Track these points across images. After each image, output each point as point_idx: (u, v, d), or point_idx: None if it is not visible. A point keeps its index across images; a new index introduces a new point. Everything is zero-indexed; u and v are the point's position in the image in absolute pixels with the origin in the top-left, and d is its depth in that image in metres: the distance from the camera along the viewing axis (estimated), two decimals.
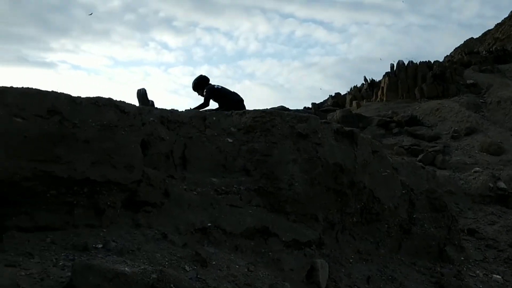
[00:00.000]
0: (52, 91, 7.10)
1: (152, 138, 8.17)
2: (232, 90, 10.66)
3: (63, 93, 7.21)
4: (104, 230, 7.11)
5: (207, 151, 8.78)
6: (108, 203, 7.31)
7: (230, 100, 10.95)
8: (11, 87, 6.78)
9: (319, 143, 9.17)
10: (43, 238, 6.53)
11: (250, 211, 8.20)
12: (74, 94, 7.34)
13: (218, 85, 10.29)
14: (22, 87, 6.88)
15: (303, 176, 8.85)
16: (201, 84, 10.46)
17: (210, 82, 11.18)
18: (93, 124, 7.24)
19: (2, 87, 6.72)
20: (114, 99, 7.82)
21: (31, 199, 6.69)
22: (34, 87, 6.93)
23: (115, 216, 7.38)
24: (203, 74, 10.63)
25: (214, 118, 9.14)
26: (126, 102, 7.96)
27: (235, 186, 8.44)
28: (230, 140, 8.97)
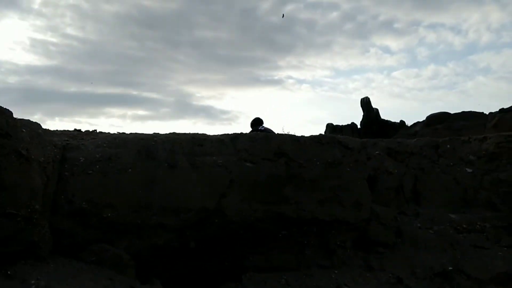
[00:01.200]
0: (278, 134, 7.31)
1: (379, 173, 7.72)
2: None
3: (287, 135, 7.36)
4: (336, 271, 6.88)
5: (442, 183, 7.89)
6: (338, 243, 7.09)
7: None
8: (241, 134, 7.18)
9: None
10: (278, 279, 6.61)
11: (500, 253, 6.98)
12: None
13: (263, 127, 10.13)
14: (250, 133, 7.24)
15: None
16: (252, 125, 10.54)
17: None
18: (317, 163, 7.16)
19: (234, 134, 7.17)
20: (337, 136, 7.67)
21: (265, 239, 6.88)
22: (260, 132, 7.23)
23: (346, 256, 7.11)
24: (259, 117, 10.70)
25: (448, 146, 8.20)
26: (349, 137, 7.72)
27: (478, 223, 7.33)
28: (469, 170, 7.90)
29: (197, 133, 7.01)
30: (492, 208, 7.46)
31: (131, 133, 6.76)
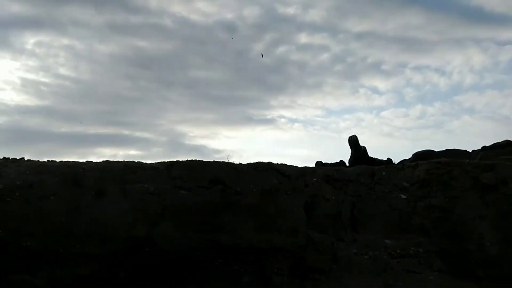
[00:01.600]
0: (214, 161, 7.35)
1: (316, 200, 7.82)
2: None
3: (224, 162, 7.40)
4: None
5: (378, 209, 8.04)
6: (275, 270, 7.06)
7: None
8: (177, 161, 7.19)
9: (509, 195, 7.69)
10: None
11: (431, 277, 7.10)
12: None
13: None
14: (187, 160, 7.25)
15: (495, 234, 7.43)
16: None
17: None
18: (254, 190, 7.21)
19: (170, 161, 7.17)
20: (275, 162, 7.77)
21: (200, 268, 6.80)
22: (197, 159, 7.26)
23: (283, 283, 7.07)
24: None
25: (383, 173, 8.40)
26: (287, 164, 7.84)
27: (412, 248, 7.47)
28: (403, 196, 8.09)
29: (131, 161, 6.98)
30: (425, 233, 7.63)
31: (60, 161, 6.66)
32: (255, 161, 7.68)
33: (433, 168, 8.05)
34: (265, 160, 7.76)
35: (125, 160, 6.91)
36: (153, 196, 6.57)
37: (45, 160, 6.61)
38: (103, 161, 6.79)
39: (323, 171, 8.32)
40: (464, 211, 7.69)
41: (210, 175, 7.10)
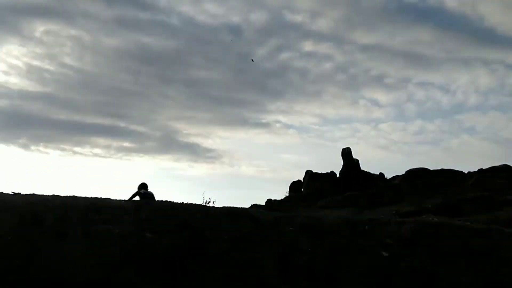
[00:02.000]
0: (185, 203, 7.13)
1: (291, 250, 7.48)
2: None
3: (195, 205, 7.18)
4: None
5: (356, 266, 7.62)
6: None
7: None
8: (146, 203, 6.99)
9: (501, 264, 7.18)
10: None
11: None
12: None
13: (143, 190, 10.34)
14: (157, 201, 7.06)
15: None
16: (139, 188, 10.79)
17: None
18: (225, 237, 6.95)
19: (139, 202, 6.99)
20: (250, 209, 7.52)
21: None
22: (168, 200, 7.06)
23: None
24: (145, 182, 10.74)
25: (366, 227, 7.99)
26: (263, 211, 7.56)
27: None
28: (385, 254, 7.66)
29: (98, 198, 6.81)
30: None
31: (25, 195, 6.52)
32: (229, 206, 7.46)
33: (420, 227, 7.60)
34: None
35: (91, 197, 6.74)
36: (117, 238, 6.37)
37: (11, 192, 6.49)
38: (68, 196, 6.63)
39: (301, 220, 7.98)
40: (449, 277, 7.21)
41: (180, 218, 6.89)
